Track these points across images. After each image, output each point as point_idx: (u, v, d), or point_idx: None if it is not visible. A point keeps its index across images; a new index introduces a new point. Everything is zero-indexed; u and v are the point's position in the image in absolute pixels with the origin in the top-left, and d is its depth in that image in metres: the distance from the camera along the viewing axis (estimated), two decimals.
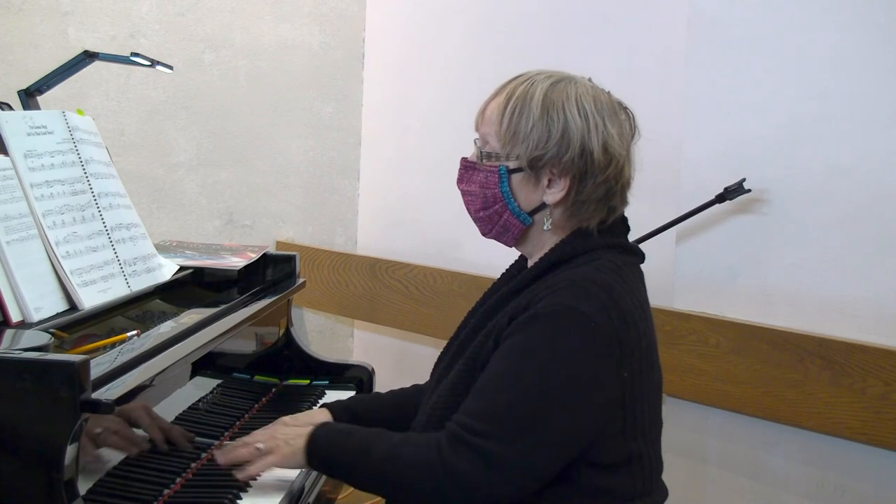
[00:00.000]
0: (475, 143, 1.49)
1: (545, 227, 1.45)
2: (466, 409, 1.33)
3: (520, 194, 1.44)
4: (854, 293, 1.97)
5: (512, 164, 1.42)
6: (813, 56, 2.03)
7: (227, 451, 1.48)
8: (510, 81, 1.46)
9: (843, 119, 1.98)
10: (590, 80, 1.48)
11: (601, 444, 1.35)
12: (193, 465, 1.54)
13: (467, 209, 1.50)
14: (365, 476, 1.39)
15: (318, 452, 1.43)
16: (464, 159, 1.49)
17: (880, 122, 1.93)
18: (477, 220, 1.49)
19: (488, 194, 1.44)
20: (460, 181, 1.49)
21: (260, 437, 1.48)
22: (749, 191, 2.10)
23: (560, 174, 1.40)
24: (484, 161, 1.45)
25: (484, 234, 1.50)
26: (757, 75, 2.12)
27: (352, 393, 2.08)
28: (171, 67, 2.21)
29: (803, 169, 2.05)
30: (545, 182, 1.42)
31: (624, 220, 1.51)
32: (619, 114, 1.45)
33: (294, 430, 1.48)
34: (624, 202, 1.47)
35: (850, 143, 1.97)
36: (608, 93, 1.47)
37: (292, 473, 1.56)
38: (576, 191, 1.41)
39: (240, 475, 1.45)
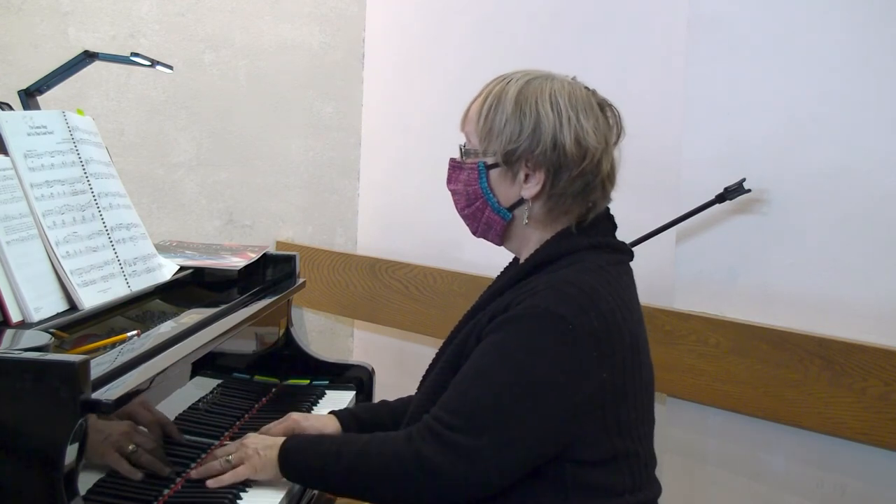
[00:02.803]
0: (462, 143, 1.52)
1: (524, 222, 1.47)
2: (441, 403, 1.37)
3: (498, 190, 1.47)
4: (854, 293, 1.97)
5: (489, 160, 1.46)
6: (813, 56, 2.03)
7: (202, 467, 1.50)
8: (491, 82, 1.50)
9: (843, 119, 1.98)
10: (573, 78, 1.50)
11: (583, 442, 1.36)
12: (193, 465, 1.54)
13: (456, 209, 1.53)
14: (338, 477, 1.41)
15: (290, 462, 1.45)
16: (451, 160, 1.53)
17: (880, 122, 1.93)
18: (464, 219, 1.53)
19: (470, 191, 1.48)
20: (448, 181, 1.53)
21: (231, 449, 1.50)
22: (749, 191, 2.10)
23: (534, 168, 1.43)
24: (465, 159, 1.49)
25: (473, 233, 1.54)
26: (757, 75, 2.12)
27: (352, 393, 2.09)
28: (171, 67, 2.21)
29: (803, 169, 2.05)
30: (522, 177, 1.45)
31: (609, 217, 1.52)
32: (603, 109, 1.47)
33: (265, 440, 1.50)
34: (605, 198, 1.49)
35: (851, 143, 1.97)
36: (592, 91, 1.49)
37: None
38: (551, 184, 1.43)
39: (210, 483, 1.46)
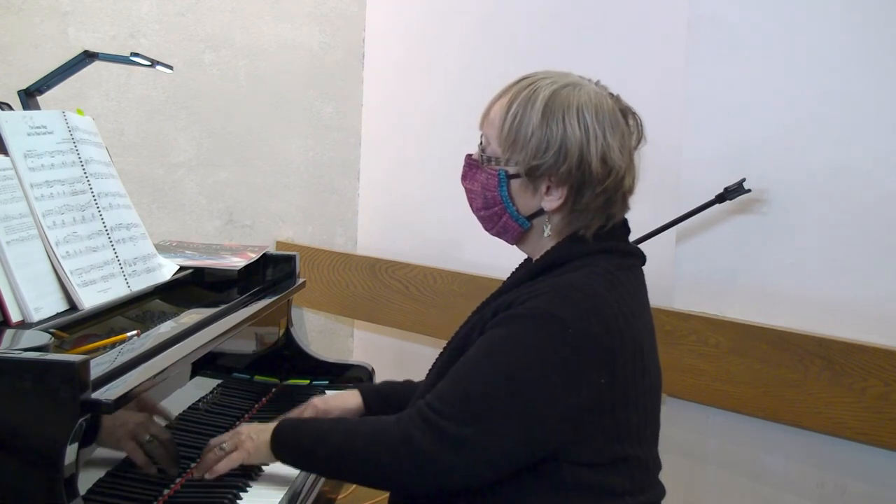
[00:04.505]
0: (480, 141, 1.50)
1: (545, 234, 1.46)
2: (436, 390, 1.38)
3: (518, 199, 1.45)
4: (854, 293, 1.97)
5: (511, 170, 1.44)
6: (813, 56, 2.03)
7: (199, 464, 1.52)
8: (515, 83, 1.46)
9: (843, 119, 1.98)
10: (597, 83, 1.48)
11: (580, 445, 1.36)
12: (193, 465, 1.54)
13: (470, 206, 1.52)
14: (327, 459, 1.42)
15: (282, 443, 1.46)
16: (468, 157, 1.50)
17: (880, 122, 1.93)
18: (479, 218, 1.52)
19: (489, 196, 1.46)
20: (464, 178, 1.51)
21: (224, 437, 1.53)
22: (749, 191, 2.10)
23: (557, 183, 1.41)
24: (485, 163, 1.46)
25: (486, 231, 1.53)
26: (757, 75, 2.12)
27: None
28: (171, 67, 2.21)
29: (803, 169, 2.05)
30: (543, 189, 1.43)
31: (624, 221, 1.51)
32: (626, 119, 1.46)
33: (258, 425, 1.53)
34: (624, 209, 1.48)
35: (851, 143, 1.97)
36: (616, 97, 1.47)
37: (293, 473, 1.56)
38: (573, 200, 1.42)
39: (207, 475, 1.48)
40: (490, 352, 1.35)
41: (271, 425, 1.49)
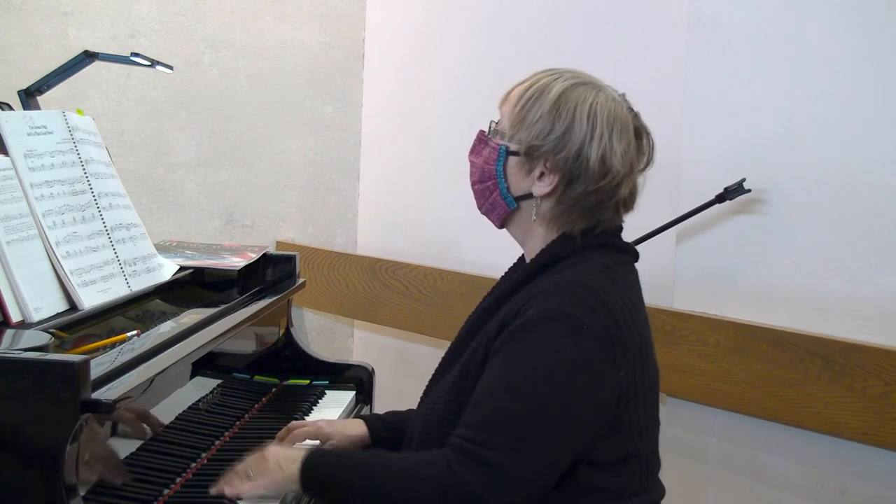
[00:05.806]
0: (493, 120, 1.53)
1: (532, 218, 1.48)
2: (468, 421, 1.34)
3: (511, 178, 1.48)
4: (854, 293, 1.97)
5: (512, 147, 1.47)
6: (813, 56, 2.03)
7: (221, 482, 1.45)
8: (541, 72, 1.50)
9: (843, 119, 1.98)
10: (622, 95, 1.49)
11: (599, 444, 1.36)
12: (193, 465, 1.55)
13: (470, 179, 1.54)
14: (367, 497, 1.36)
15: (315, 478, 1.39)
16: (480, 132, 1.53)
17: (880, 122, 1.93)
18: (474, 192, 1.54)
19: (486, 169, 1.49)
20: (471, 152, 1.54)
21: (251, 462, 1.44)
22: (749, 191, 2.10)
23: (552, 170, 1.43)
24: (491, 137, 1.50)
25: (479, 209, 1.55)
26: (757, 75, 2.12)
27: (352, 393, 2.09)
28: (171, 67, 2.21)
29: (803, 169, 2.05)
30: (537, 173, 1.45)
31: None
32: (639, 137, 1.47)
33: (287, 452, 1.44)
34: (617, 219, 1.49)
35: (850, 143, 1.97)
36: (635, 113, 1.48)
37: None
38: (562, 191, 1.44)
39: (228, 490, 1.42)
40: (512, 368, 1.33)
41: (300, 455, 1.41)
